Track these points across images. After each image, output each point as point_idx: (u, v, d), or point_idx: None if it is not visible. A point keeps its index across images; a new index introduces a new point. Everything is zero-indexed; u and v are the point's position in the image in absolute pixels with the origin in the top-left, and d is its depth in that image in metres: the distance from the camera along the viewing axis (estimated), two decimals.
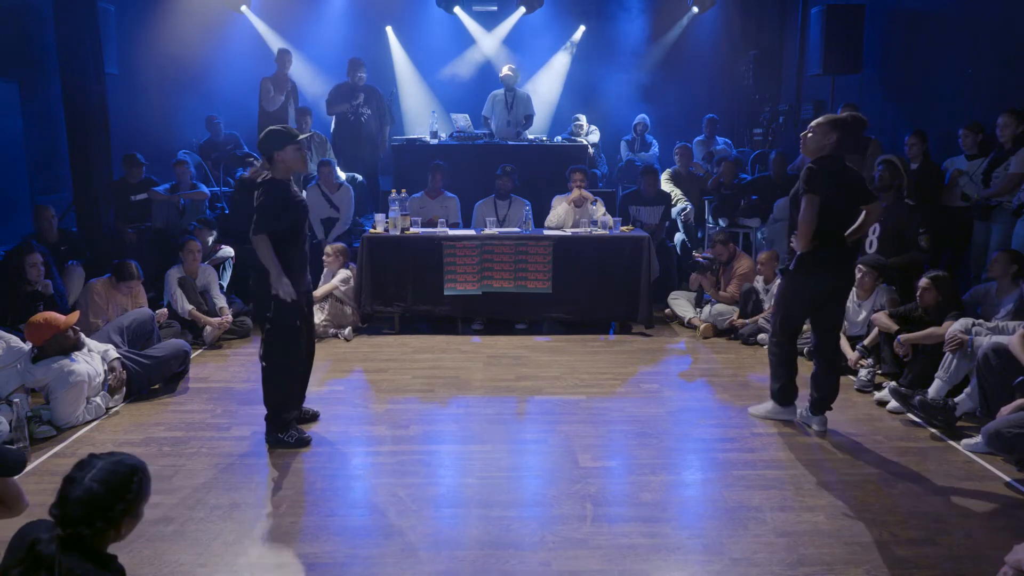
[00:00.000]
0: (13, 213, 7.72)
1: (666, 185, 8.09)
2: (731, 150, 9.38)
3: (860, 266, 5.41)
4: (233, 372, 5.47)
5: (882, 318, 5.16)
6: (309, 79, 9.82)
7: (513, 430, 4.43)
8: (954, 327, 4.57)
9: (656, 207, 7.65)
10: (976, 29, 6.99)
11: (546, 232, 6.66)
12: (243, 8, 9.50)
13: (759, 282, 6.40)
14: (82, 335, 4.63)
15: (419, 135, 8.58)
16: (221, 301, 6.28)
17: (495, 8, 10.08)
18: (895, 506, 3.49)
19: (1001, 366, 4.11)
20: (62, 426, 4.34)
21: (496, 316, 6.62)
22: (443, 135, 8.30)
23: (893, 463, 3.97)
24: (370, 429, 4.43)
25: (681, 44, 10.59)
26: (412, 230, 6.59)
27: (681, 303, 6.92)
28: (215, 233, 7.02)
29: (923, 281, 5.01)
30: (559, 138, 8.65)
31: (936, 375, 4.58)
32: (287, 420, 4.16)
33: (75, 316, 4.54)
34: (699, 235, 8.10)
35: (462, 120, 8.33)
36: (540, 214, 7.10)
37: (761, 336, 6.14)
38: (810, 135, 4.13)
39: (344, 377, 5.36)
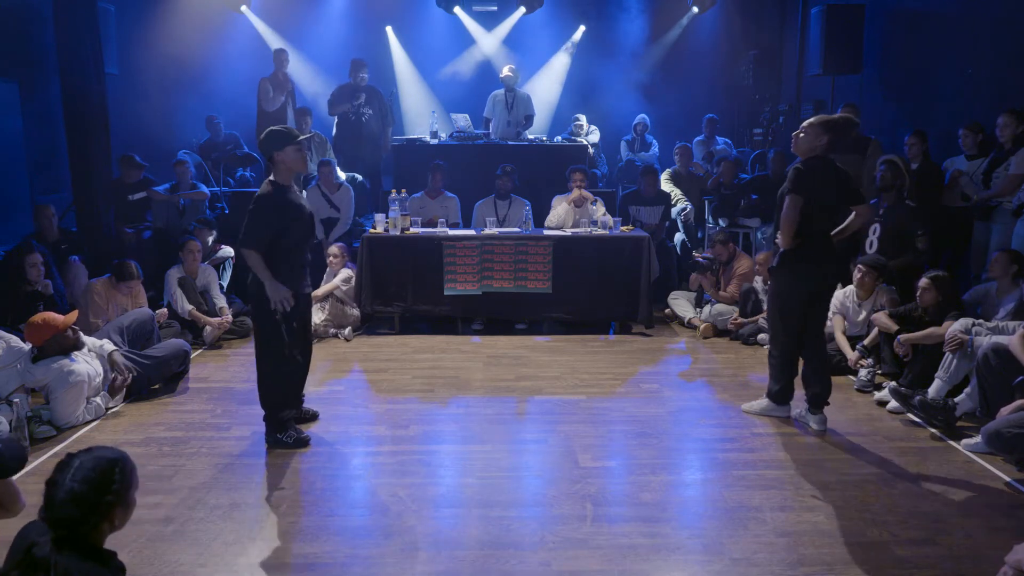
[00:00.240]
0: (13, 213, 7.72)
1: (666, 185, 8.09)
2: (731, 150, 9.38)
3: (860, 266, 5.42)
4: (233, 372, 5.47)
5: (882, 318, 5.16)
6: (309, 79, 9.82)
7: (513, 430, 4.43)
8: (954, 327, 4.57)
9: (656, 207, 7.65)
10: (976, 29, 6.99)
11: (546, 232, 6.66)
12: (243, 8, 9.49)
13: (758, 282, 6.40)
14: (81, 335, 4.63)
15: (419, 135, 8.58)
16: (221, 301, 6.28)
17: (495, 8, 10.07)
18: (895, 506, 3.49)
19: (1001, 366, 4.11)
20: (62, 426, 4.34)
21: (496, 316, 6.62)
22: (443, 135, 8.30)
23: (893, 463, 3.97)
24: (370, 429, 4.43)
25: (681, 44, 10.59)
26: (412, 230, 6.59)
27: (681, 303, 6.92)
28: (215, 233, 7.02)
29: (923, 281, 5.02)
30: (559, 138, 8.65)
31: (936, 375, 4.58)
32: (284, 420, 4.15)
33: (74, 316, 4.54)
34: (699, 235, 8.10)
35: (462, 120, 8.33)
36: (540, 214, 7.10)
37: (761, 336, 6.14)
38: (802, 135, 4.20)
39: (344, 377, 5.36)
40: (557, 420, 4.54)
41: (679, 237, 7.94)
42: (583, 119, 9.11)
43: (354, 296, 6.47)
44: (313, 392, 4.78)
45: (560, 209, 6.95)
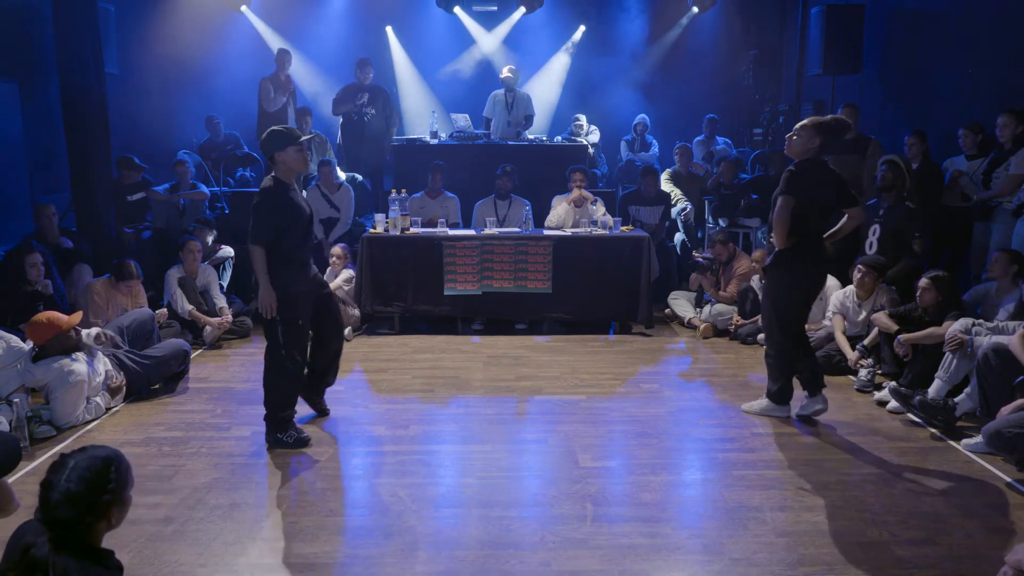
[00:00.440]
0: (13, 213, 7.72)
1: (666, 185, 8.09)
2: (731, 150, 9.38)
3: (860, 266, 5.42)
4: (233, 372, 5.47)
5: (882, 318, 5.16)
6: (309, 79, 9.82)
7: (513, 430, 4.43)
8: (954, 327, 4.57)
9: (656, 207, 7.65)
10: (976, 29, 6.99)
11: (546, 232, 6.66)
12: (243, 8, 9.49)
13: (755, 281, 6.40)
14: (83, 334, 4.63)
15: (419, 135, 8.58)
16: (221, 301, 6.28)
17: (495, 8, 10.07)
18: (895, 506, 3.49)
19: (1001, 366, 4.11)
20: (62, 426, 4.34)
21: (496, 316, 6.62)
22: (443, 135, 8.30)
23: (893, 463, 3.97)
24: (370, 429, 4.43)
25: (681, 44, 10.59)
26: (412, 230, 6.59)
27: (681, 303, 6.92)
28: (215, 233, 7.02)
29: (923, 281, 5.02)
30: (559, 138, 8.65)
31: (936, 375, 4.58)
32: (284, 419, 4.15)
33: (78, 316, 4.55)
34: (699, 235, 8.10)
35: (462, 120, 8.33)
36: (540, 214, 7.10)
37: (761, 336, 6.14)
38: (795, 138, 4.25)
39: (344, 377, 5.34)
40: (557, 420, 4.54)
41: (679, 237, 7.94)
42: (583, 119, 9.11)
43: (354, 296, 6.47)
44: None
45: (560, 209, 6.95)
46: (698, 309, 6.80)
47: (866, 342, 5.29)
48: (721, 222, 7.71)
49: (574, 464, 3.93)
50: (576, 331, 6.52)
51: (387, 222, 6.56)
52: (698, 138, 9.37)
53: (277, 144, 4.02)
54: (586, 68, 10.57)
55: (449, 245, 6.40)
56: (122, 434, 4.32)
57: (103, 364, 4.68)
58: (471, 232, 6.64)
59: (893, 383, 4.82)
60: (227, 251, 6.99)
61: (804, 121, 4.26)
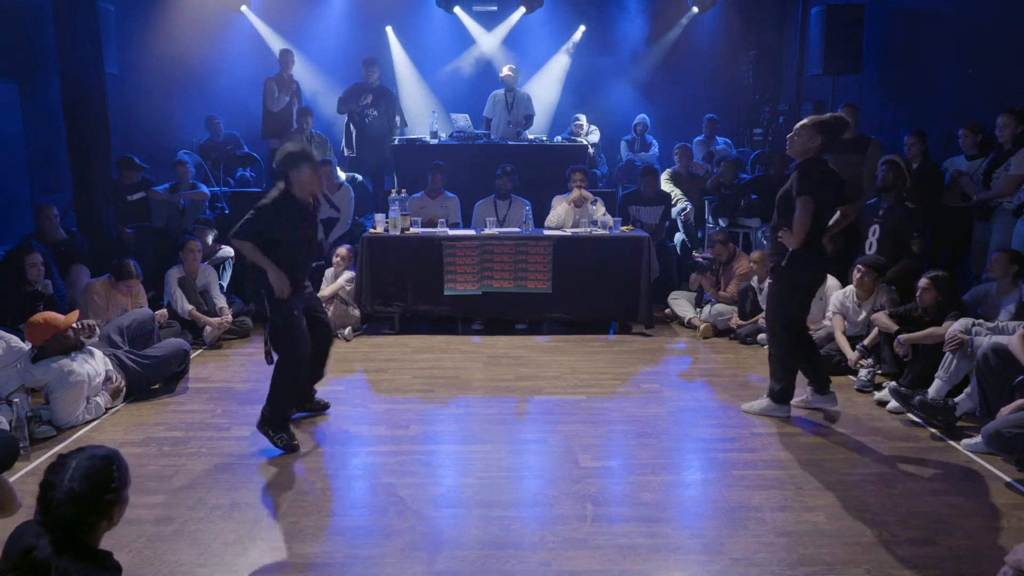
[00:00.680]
0: (13, 213, 7.72)
1: (666, 185, 8.09)
2: (731, 150, 9.38)
3: (860, 266, 5.42)
4: (233, 372, 5.47)
5: (882, 318, 5.16)
6: (309, 79, 9.81)
7: (513, 430, 4.43)
8: (954, 327, 4.57)
9: (656, 207, 7.65)
10: (976, 29, 6.99)
11: (546, 232, 6.66)
12: (243, 8, 9.49)
13: (755, 281, 6.40)
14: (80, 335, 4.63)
15: (419, 135, 8.58)
16: (221, 301, 6.28)
17: (495, 8, 10.07)
18: (895, 506, 3.49)
19: (1001, 366, 4.11)
20: (62, 426, 4.34)
21: (496, 316, 6.62)
22: (443, 135, 8.30)
23: (893, 463, 3.97)
24: (370, 429, 4.43)
25: (681, 44, 10.58)
26: (412, 230, 6.59)
27: (681, 303, 6.92)
28: (215, 233, 7.02)
29: (923, 281, 5.02)
30: (559, 138, 8.65)
31: (936, 375, 4.58)
32: (285, 419, 4.13)
33: (75, 316, 4.54)
34: (699, 235, 8.10)
35: (462, 120, 8.33)
36: (540, 214, 7.10)
37: (761, 336, 6.14)
38: (797, 138, 4.27)
39: (344, 377, 5.35)
40: (557, 420, 4.54)
41: (679, 237, 7.94)
42: (583, 119, 9.10)
43: (354, 296, 6.47)
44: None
45: (560, 209, 6.95)
46: (698, 309, 6.80)
47: (866, 342, 5.29)
48: (721, 222, 7.71)
49: (574, 464, 3.93)
50: (576, 331, 6.52)
51: (387, 222, 6.56)
52: (698, 138, 9.37)
53: (291, 163, 4.03)
54: (586, 68, 10.57)
55: (449, 245, 6.40)
56: (122, 434, 4.32)
57: (103, 364, 4.68)
58: (471, 232, 6.64)
59: (893, 383, 4.82)
60: (227, 251, 6.99)
61: (804, 120, 4.29)
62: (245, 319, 6.43)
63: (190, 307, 6.06)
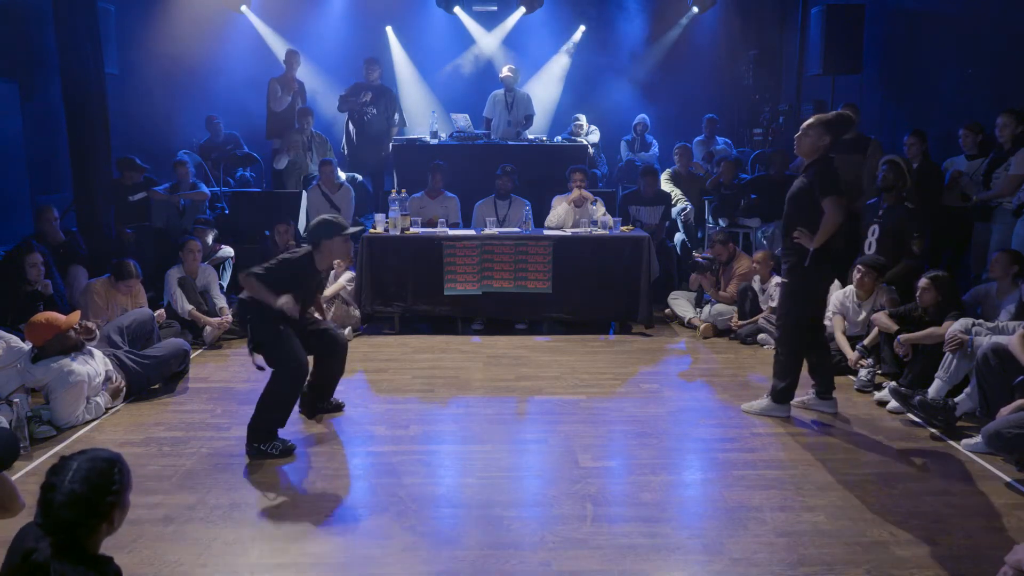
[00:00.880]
0: (13, 213, 7.72)
1: (666, 185, 8.09)
2: (731, 150, 9.38)
3: (860, 266, 5.42)
4: (233, 372, 5.47)
5: (882, 318, 5.16)
6: (309, 79, 9.80)
7: (513, 430, 4.43)
8: (954, 327, 4.57)
9: (656, 207, 7.65)
10: (976, 29, 6.99)
11: (546, 232, 6.66)
12: (243, 8, 9.49)
13: (756, 281, 6.40)
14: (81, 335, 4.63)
15: (419, 135, 8.59)
16: (221, 301, 6.28)
17: (495, 8, 10.08)
18: (895, 506, 3.49)
19: (1001, 366, 4.11)
20: (62, 426, 4.34)
21: (496, 316, 6.62)
22: (443, 135, 8.30)
23: (893, 463, 3.98)
24: (370, 429, 4.43)
25: (681, 44, 10.58)
26: (412, 230, 6.59)
27: (681, 303, 6.92)
28: (215, 233, 7.02)
29: (923, 281, 5.02)
30: (559, 138, 8.65)
31: (936, 375, 4.58)
32: (270, 430, 4.02)
33: (76, 316, 4.54)
34: (699, 235, 8.10)
35: (462, 120, 8.33)
36: (540, 214, 7.10)
37: (761, 336, 6.14)
38: (805, 138, 4.25)
39: (344, 377, 5.33)
40: (557, 420, 4.54)
41: (679, 237, 7.94)
42: (583, 119, 9.10)
43: (354, 296, 6.47)
44: None
45: (560, 209, 6.95)
46: (698, 309, 6.80)
47: (866, 342, 5.29)
48: (721, 222, 7.71)
49: (574, 464, 3.93)
50: (576, 331, 6.52)
51: (387, 222, 6.56)
52: (698, 138, 9.36)
53: (326, 233, 4.11)
54: (586, 68, 10.57)
55: (449, 245, 6.40)
56: (122, 434, 4.32)
57: (104, 364, 4.68)
58: (471, 232, 6.64)
59: (893, 383, 4.82)
60: (227, 251, 6.99)
61: (810, 120, 4.28)
62: None
63: (190, 307, 6.06)
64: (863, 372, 5.12)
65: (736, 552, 3.11)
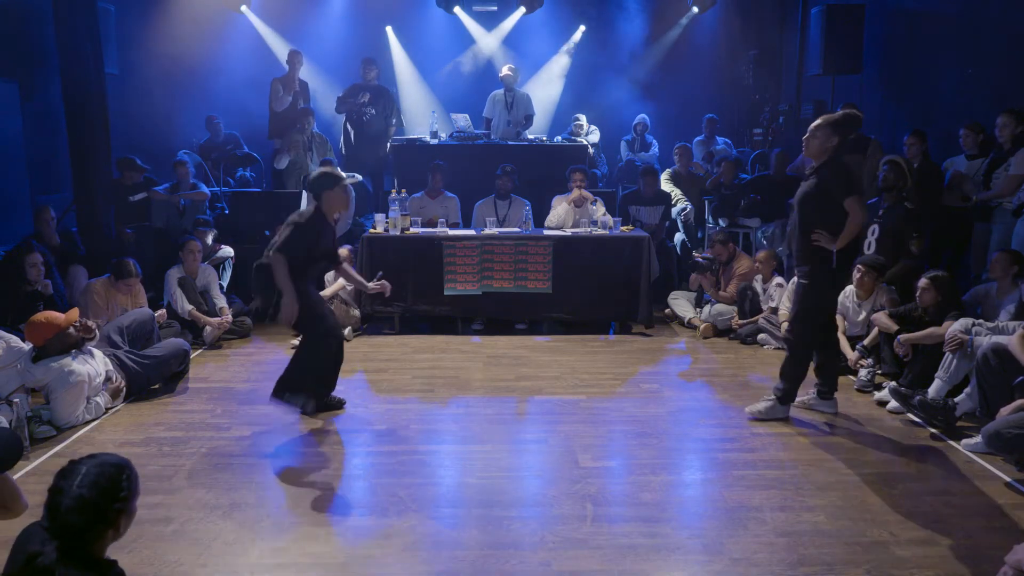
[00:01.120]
0: (13, 213, 7.72)
1: (666, 185, 8.09)
2: (731, 150, 9.38)
3: (860, 266, 5.41)
4: (233, 372, 5.47)
5: (882, 318, 5.16)
6: (309, 79, 9.79)
7: (513, 430, 4.43)
8: (954, 327, 4.57)
9: (656, 207, 7.65)
10: (976, 29, 6.99)
11: (546, 232, 6.66)
12: (243, 8, 9.49)
13: (758, 281, 6.40)
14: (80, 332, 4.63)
15: (419, 135, 8.58)
16: (221, 301, 6.28)
17: (495, 8, 10.08)
18: (895, 506, 3.49)
19: (1001, 366, 4.11)
20: (62, 426, 4.34)
21: (496, 316, 6.62)
22: (443, 135, 8.30)
23: (893, 463, 3.98)
24: (370, 429, 4.43)
25: (681, 44, 10.58)
26: (412, 230, 6.59)
27: (681, 303, 6.92)
28: (215, 233, 7.02)
29: (922, 281, 5.02)
30: (559, 138, 8.65)
31: (936, 375, 4.59)
32: (304, 385, 4.38)
33: (75, 313, 4.53)
34: (699, 235, 8.10)
35: (462, 120, 8.33)
36: (540, 214, 7.10)
37: (761, 336, 6.15)
38: (813, 139, 4.21)
39: (344, 377, 5.32)
40: (557, 420, 4.54)
41: (679, 237, 7.94)
42: (583, 119, 9.10)
43: (354, 296, 6.47)
44: None
45: (560, 209, 6.95)
46: (698, 309, 6.80)
47: (866, 342, 5.29)
48: (721, 222, 7.71)
49: (574, 464, 3.93)
50: (576, 331, 6.52)
51: (387, 222, 6.56)
52: (698, 138, 9.36)
53: (327, 184, 4.35)
54: (586, 68, 10.56)
55: (449, 245, 6.40)
56: (122, 434, 4.32)
57: (104, 364, 4.68)
58: (471, 232, 6.64)
59: (893, 383, 4.82)
60: (227, 251, 6.99)
61: (818, 121, 4.25)
62: (245, 319, 6.43)
63: (190, 307, 6.06)
64: (863, 372, 5.12)
65: (736, 552, 3.11)
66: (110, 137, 6.94)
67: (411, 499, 3.54)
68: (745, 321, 6.30)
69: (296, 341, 5.79)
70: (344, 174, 4.54)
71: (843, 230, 4.16)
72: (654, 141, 9.47)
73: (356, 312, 6.47)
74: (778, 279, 6.25)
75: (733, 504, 3.50)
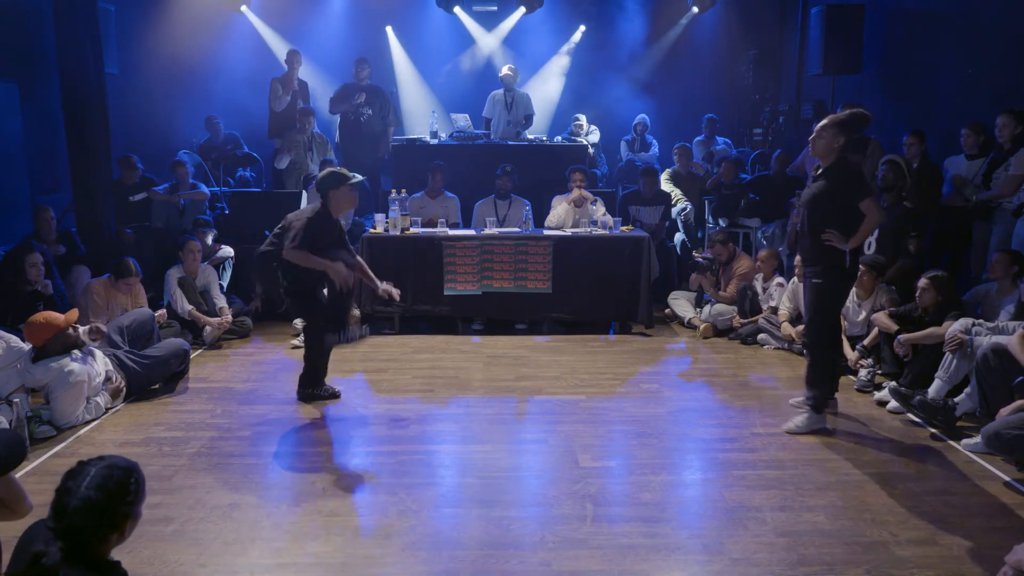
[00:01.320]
0: (13, 213, 7.71)
1: (666, 185, 8.09)
2: (731, 150, 9.38)
3: (860, 266, 5.41)
4: (233, 372, 5.47)
5: (882, 318, 5.16)
6: (309, 79, 9.80)
7: (513, 430, 4.43)
8: (954, 327, 4.57)
9: (656, 207, 7.65)
10: (976, 29, 6.99)
11: (546, 232, 6.66)
12: (243, 8, 9.49)
13: (759, 280, 6.40)
14: (82, 334, 4.62)
15: (419, 135, 8.58)
16: (221, 301, 6.28)
17: (495, 8, 10.07)
18: (895, 506, 3.49)
19: (1001, 366, 4.11)
20: (62, 426, 4.34)
21: (496, 316, 6.62)
22: (443, 135, 8.30)
23: (893, 463, 3.98)
24: (370, 429, 4.43)
25: (681, 44, 10.58)
26: (412, 230, 6.59)
27: (681, 303, 6.92)
28: (215, 233, 7.02)
29: (922, 281, 5.02)
30: (559, 138, 8.65)
31: (936, 375, 4.59)
32: (319, 379, 4.78)
33: (74, 314, 4.53)
34: (699, 235, 8.10)
35: (462, 120, 8.33)
36: (540, 214, 7.10)
37: (761, 336, 6.15)
38: (820, 140, 4.16)
39: (344, 377, 5.35)
40: (557, 420, 4.55)
41: (679, 237, 7.94)
42: (583, 119, 9.10)
43: (354, 296, 6.45)
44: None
45: (560, 209, 6.95)
46: (698, 309, 6.80)
47: (866, 342, 5.29)
48: (721, 222, 7.71)
49: (574, 464, 3.93)
50: (576, 331, 6.52)
51: (387, 222, 6.56)
52: (698, 138, 9.37)
53: (333, 183, 4.49)
54: (586, 68, 10.56)
55: (449, 245, 6.40)
56: (122, 434, 4.32)
57: (104, 364, 4.68)
58: (471, 232, 6.64)
59: (893, 383, 4.82)
60: (227, 251, 6.99)
61: (824, 121, 4.21)
62: (245, 319, 6.43)
63: (190, 307, 6.06)
64: (863, 372, 5.12)
65: (736, 552, 3.11)
66: (110, 137, 6.94)
67: (411, 499, 3.54)
68: (746, 321, 6.30)
69: (296, 341, 5.85)
70: (351, 175, 4.60)
71: (854, 230, 4.15)
72: (654, 141, 9.47)
73: (356, 312, 6.46)
74: (779, 278, 6.25)
75: (733, 504, 3.50)
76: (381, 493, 3.62)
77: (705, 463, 4.01)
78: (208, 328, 6.04)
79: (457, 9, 9.86)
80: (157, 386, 5.03)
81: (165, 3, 9.26)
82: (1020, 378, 3.94)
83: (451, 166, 7.48)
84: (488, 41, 10.47)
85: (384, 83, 9.20)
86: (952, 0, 7.41)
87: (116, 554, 2.15)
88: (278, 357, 5.82)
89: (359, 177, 4.72)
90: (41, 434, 4.22)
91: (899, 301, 5.31)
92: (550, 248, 6.43)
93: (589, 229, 6.66)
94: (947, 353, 4.55)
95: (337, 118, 8.62)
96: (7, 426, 3.97)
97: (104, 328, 4.89)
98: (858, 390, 5.08)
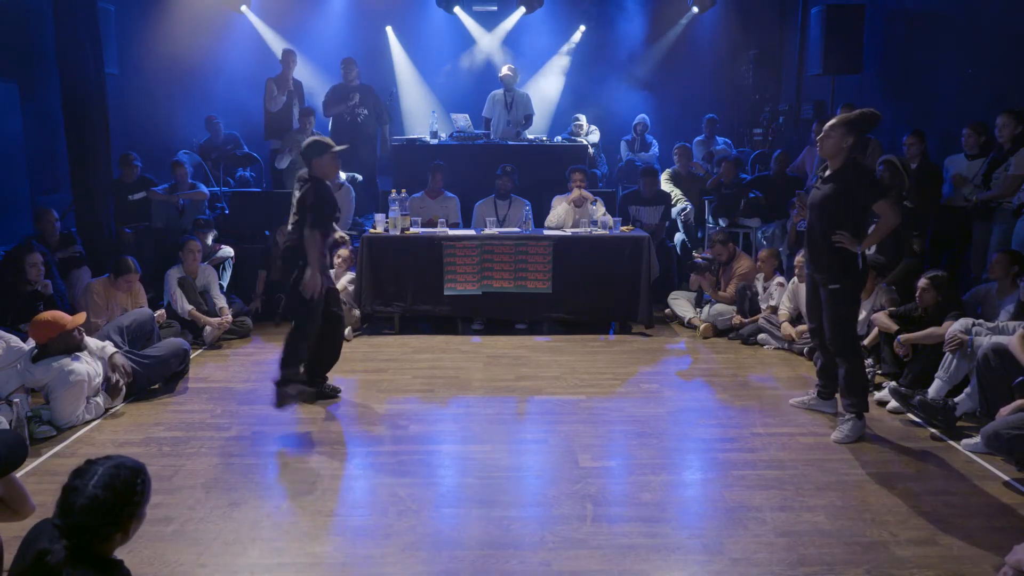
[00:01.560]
0: (13, 213, 7.71)
1: (666, 185, 8.09)
2: (731, 150, 9.37)
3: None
4: (233, 372, 5.47)
5: (882, 318, 5.16)
6: (309, 79, 9.81)
7: (513, 430, 4.43)
8: (954, 327, 4.57)
9: (656, 207, 7.65)
10: (976, 29, 6.99)
11: (546, 232, 6.66)
12: (243, 8, 9.49)
13: (759, 280, 6.40)
14: (94, 345, 4.64)
15: (419, 135, 8.58)
16: (221, 301, 6.28)
17: (495, 8, 10.08)
18: (895, 506, 3.49)
19: (1001, 366, 4.11)
20: (62, 426, 4.34)
21: (496, 316, 6.62)
22: (443, 135, 8.29)
23: (893, 463, 3.98)
24: (370, 429, 4.43)
25: (681, 44, 10.58)
26: (412, 230, 6.59)
27: (681, 303, 6.92)
28: (215, 233, 7.02)
29: (922, 281, 5.02)
30: (559, 138, 8.65)
31: (936, 375, 4.59)
32: (298, 363, 4.54)
33: (82, 316, 4.55)
34: (699, 235, 8.10)
35: (462, 120, 8.33)
36: (540, 214, 7.10)
37: (761, 336, 6.14)
38: (828, 139, 4.13)
39: (344, 377, 5.35)
40: (557, 420, 4.55)
41: (679, 237, 7.94)
42: (583, 119, 9.10)
43: (354, 296, 6.46)
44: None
45: (560, 209, 6.95)
46: (698, 309, 6.80)
47: (866, 342, 5.28)
48: (721, 222, 7.71)
49: (574, 464, 3.93)
50: (576, 331, 6.52)
51: (387, 222, 6.56)
52: (698, 138, 9.37)
53: (316, 151, 4.51)
54: (586, 68, 10.56)
55: (449, 245, 6.40)
56: (122, 434, 4.32)
57: (103, 364, 4.67)
58: (471, 232, 6.64)
59: (893, 383, 4.82)
60: (227, 251, 6.99)
61: (832, 121, 4.17)
62: (245, 319, 6.43)
63: (190, 307, 6.06)
64: None
65: (736, 552, 3.11)
66: (110, 137, 6.94)
67: (411, 499, 3.54)
68: (746, 320, 6.30)
69: None
70: (334, 143, 4.63)
71: (866, 231, 4.14)
72: (654, 141, 9.47)
73: (356, 312, 6.46)
74: (779, 278, 6.25)
75: (733, 504, 3.50)
76: (381, 493, 3.62)
77: (705, 463, 4.01)
78: (208, 328, 6.04)
79: (457, 9, 9.86)
80: (157, 386, 5.03)
81: (165, 3, 9.26)
82: (1020, 378, 3.94)
83: (451, 166, 7.48)
84: (488, 41, 10.47)
85: (384, 83, 9.21)
86: (952, 0, 7.41)
87: (116, 553, 2.15)
88: (278, 357, 5.81)
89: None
90: (41, 434, 4.22)
91: (899, 301, 5.31)
92: (550, 248, 6.43)
93: (589, 229, 6.66)
94: (947, 353, 4.55)
95: (329, 121, 8.60)
96: (7, 426, 3.97)
97: (129, 365, 4.83)
98: None
